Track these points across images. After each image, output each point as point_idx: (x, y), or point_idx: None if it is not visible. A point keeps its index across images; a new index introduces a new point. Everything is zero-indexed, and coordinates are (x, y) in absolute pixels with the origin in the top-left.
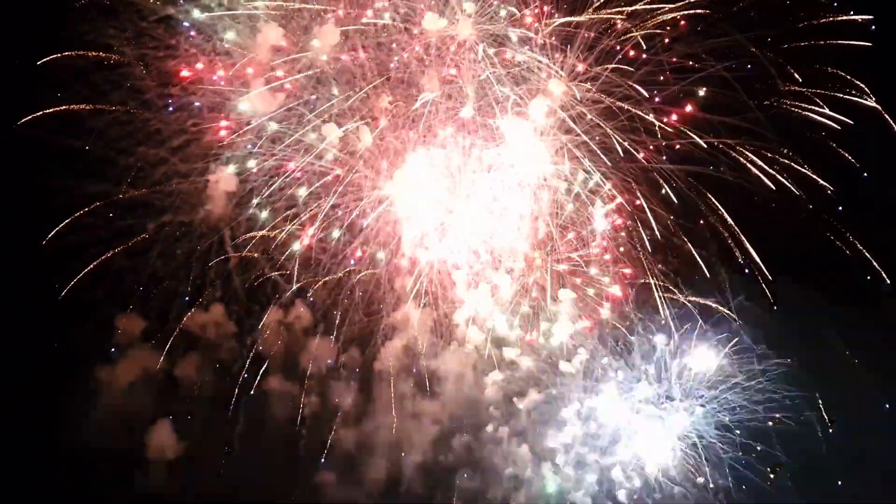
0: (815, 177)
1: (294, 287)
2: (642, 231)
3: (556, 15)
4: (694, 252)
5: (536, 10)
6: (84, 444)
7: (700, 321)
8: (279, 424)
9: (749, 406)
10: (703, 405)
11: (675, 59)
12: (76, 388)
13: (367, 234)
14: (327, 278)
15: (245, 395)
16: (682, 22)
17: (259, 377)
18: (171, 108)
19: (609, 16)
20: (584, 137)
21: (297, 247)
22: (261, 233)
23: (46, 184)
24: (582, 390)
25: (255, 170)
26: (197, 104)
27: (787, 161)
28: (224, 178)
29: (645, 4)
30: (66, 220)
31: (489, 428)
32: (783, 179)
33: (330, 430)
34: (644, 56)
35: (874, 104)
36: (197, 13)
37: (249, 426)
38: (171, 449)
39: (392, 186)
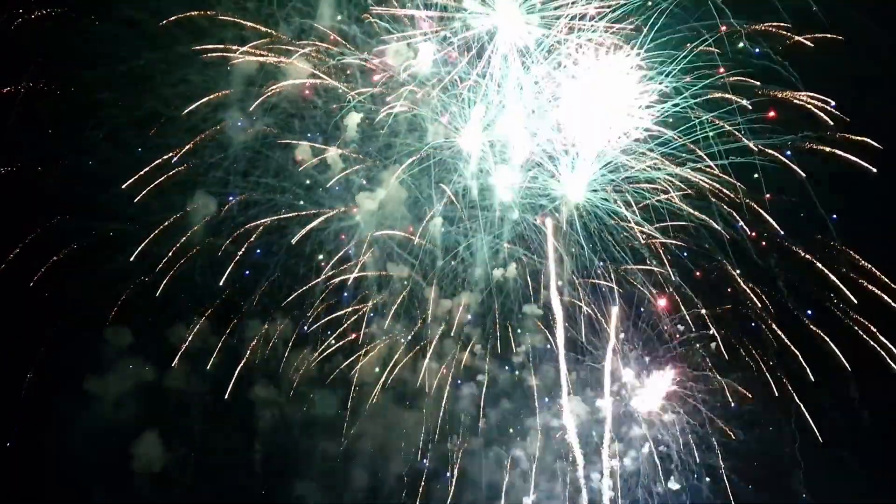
0: None
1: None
2: None
3: None
4: None
5: None
6: (72, 454)
7: None
8: (261, 434)
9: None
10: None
11: None
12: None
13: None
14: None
15: (228, 406)
16: None
17: (243, 388)
18: None
19: None
20: None
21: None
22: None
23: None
24: (550, 404)
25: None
26: None
27: None
28: (202, 205)
29: None
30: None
31: (465, 437)
32: None
33: (311, 439)
34: None
35: None
36: None
37: (232, 436)
38: (157, 459)
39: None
